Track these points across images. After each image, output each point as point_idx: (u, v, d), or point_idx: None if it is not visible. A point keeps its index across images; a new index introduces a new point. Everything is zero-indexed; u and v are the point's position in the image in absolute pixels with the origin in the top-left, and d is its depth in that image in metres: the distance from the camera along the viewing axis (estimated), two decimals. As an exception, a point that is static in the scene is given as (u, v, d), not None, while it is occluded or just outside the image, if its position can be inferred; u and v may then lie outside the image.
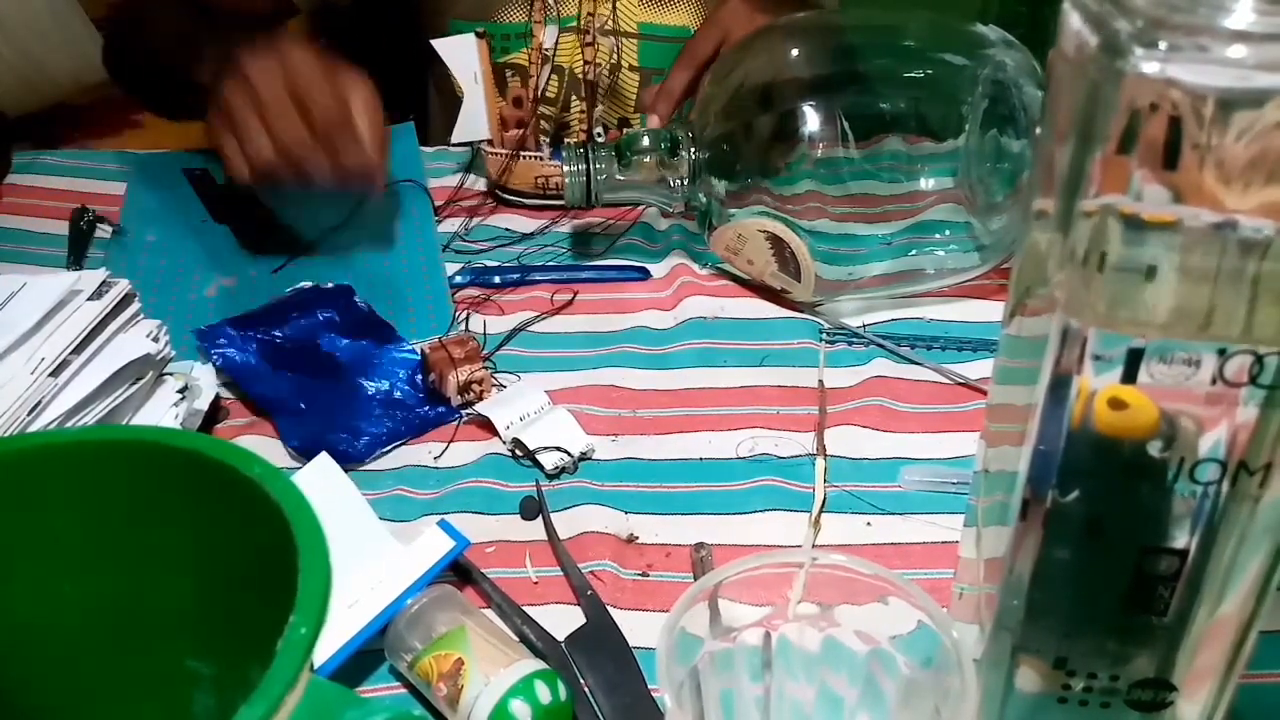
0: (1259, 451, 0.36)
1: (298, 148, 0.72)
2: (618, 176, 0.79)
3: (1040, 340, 0.37)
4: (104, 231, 0.87)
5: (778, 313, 0.78)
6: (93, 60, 1.21)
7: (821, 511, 0.61)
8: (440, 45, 0.89)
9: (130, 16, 0.97)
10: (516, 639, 0.53)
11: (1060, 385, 0.36)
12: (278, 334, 0.73)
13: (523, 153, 0.90)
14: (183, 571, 0.39)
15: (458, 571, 0.57)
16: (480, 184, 0.93)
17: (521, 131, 0.91)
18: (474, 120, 0.91)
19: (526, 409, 0.67)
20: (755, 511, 0.62)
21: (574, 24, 0.99)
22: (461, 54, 0.89)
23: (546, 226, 0.89)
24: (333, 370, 0.71)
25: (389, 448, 0.66)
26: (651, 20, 1.01)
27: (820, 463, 0.64)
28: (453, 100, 0.91)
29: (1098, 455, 0.37)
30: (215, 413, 0.68)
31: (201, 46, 0.85)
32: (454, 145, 0.94)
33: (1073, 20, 0.36)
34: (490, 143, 0.91)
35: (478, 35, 0.89)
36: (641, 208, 0.90)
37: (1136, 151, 0.32)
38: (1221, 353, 0.34)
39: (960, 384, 0.71)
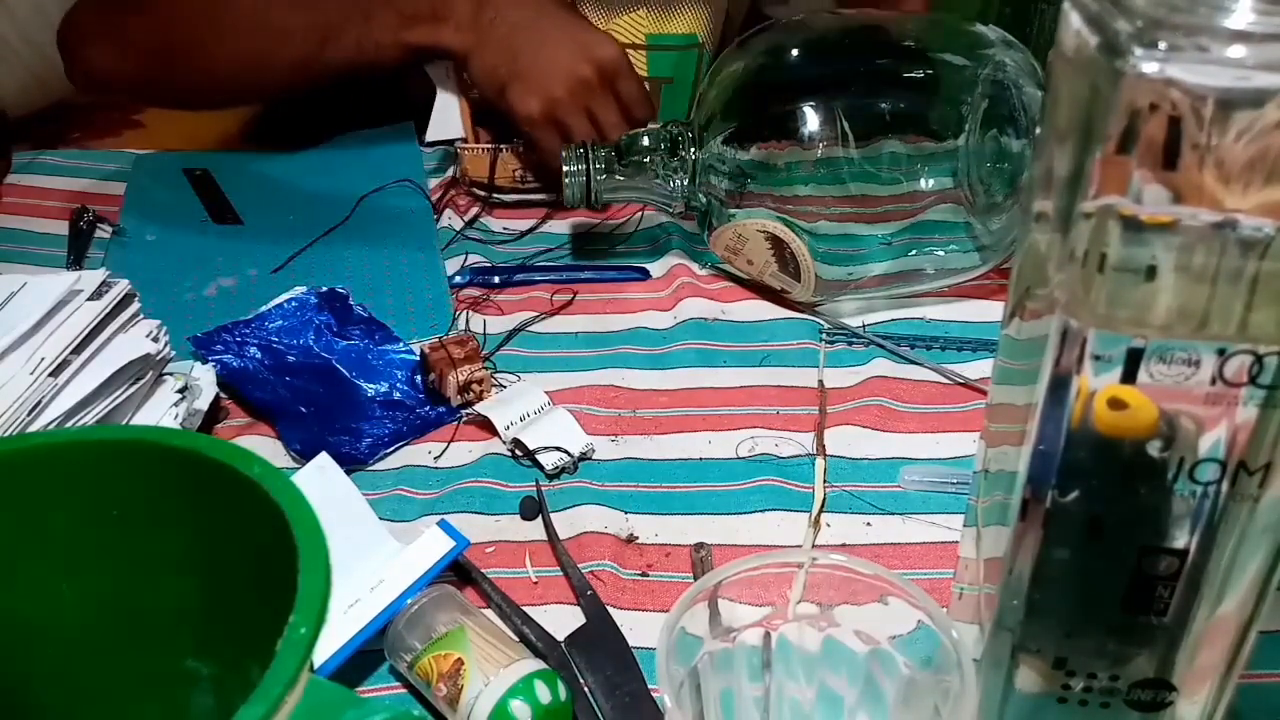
0: (1258, 451, 0.36)
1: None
2: (617, 177, 0.79)
3: (1040, 341, 0.37)
4: (104, 231, 0.87)
5: (778, 313, 0.78)
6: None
7: (821, 511, 0.61)
8: None
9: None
10: (516, 639, 0.53)
11: (1060, 385, 0.36)
12: (274, 339, 0.73)
13: (496, 146, 0.90)
14: (182, 571, 0.39)
15: (458, 571, 0.57)
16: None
17: (495, 129, 0.91)
18: (447, 118, 0.91)
19: (526, 409, 0.67)
20: (755, 511, 0.62)
21: None
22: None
23: (538, 225, 0.89)
24: (331, 373, 0.71)
25: (391, 449, 0.66)
26: (658, 30, 1.01)
27: (820, 462, 0.64)
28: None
29: (1097, 455, 0.37)
30: (215, 413, 0.68)
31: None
32: (428, 144, 0.94)
33: (1073, 20, 0.36)
34: (465, 140, 0.91)
35: None
36: (642, 207, 0.90)
37: (1136, 152, 0.32)
38: (1221, 353, 0.34)
39: (960, 384, 0.71)
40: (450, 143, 0.93)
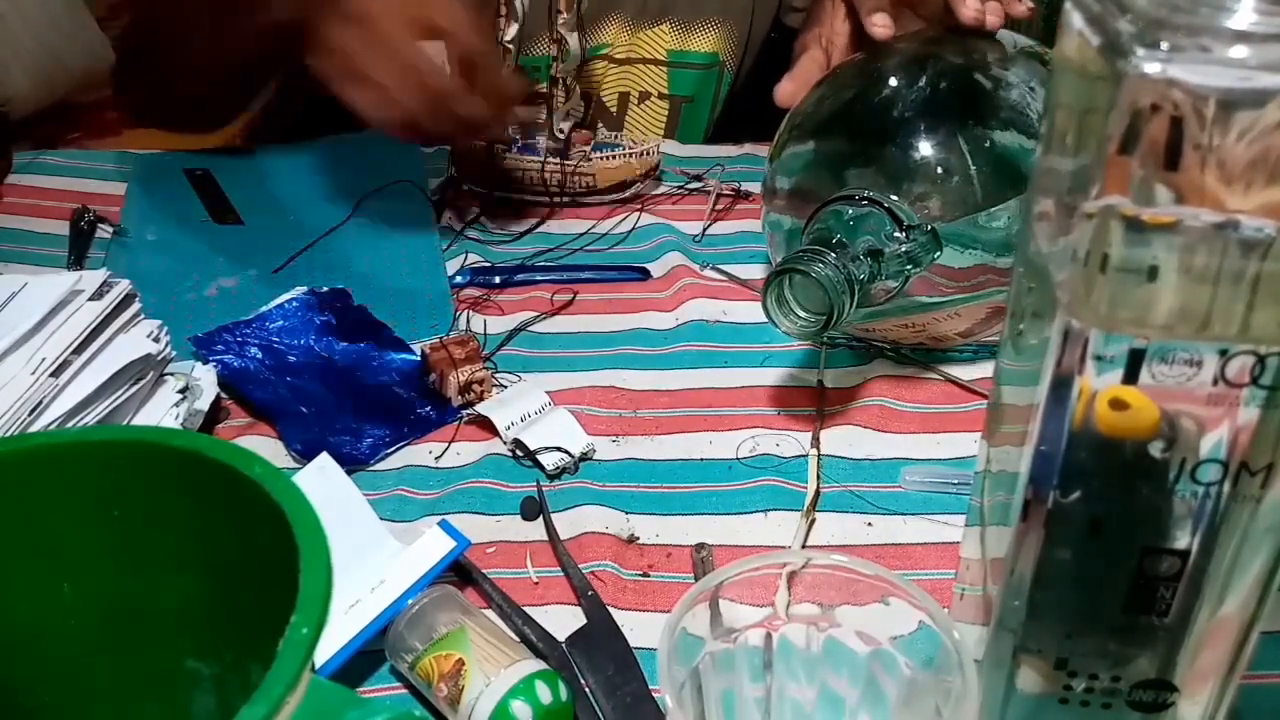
0: (1260, 452, 0.36)
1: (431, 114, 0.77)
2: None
3: (1042, 341, 0.37)
4: (104, 231, 0.87)
5: (778, 313, 0.78)
6: (101, 55, 1.22)
7: (814, 507, 0.61)
8: None
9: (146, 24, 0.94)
10: (517, 639, 0.53)
11: (1062, 386, 0.36)
12: (275, 339, 0.73)
13: (492, 145, 0.90)
14: (183, 572, 0.39)
15: (458, 572, 0.57)
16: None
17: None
18: None
19: (527, 409, 0.67)
20: (756, 512, 0.62)
21: (605, 50, 1.00)
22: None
23: (538, 224, 0.89)
24: (332, 373, 0.71)
25: (392, 449, 0.66)
26: (681, 48, 1.01)
27: (814, 455, 0.64)
28: None
29: (1099, 456, 0.37)
30: (216, 413, 0.67)
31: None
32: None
33: (1074, 20, 0.36)
34: None
35: None
36: (640, 206, 0.90)
37: (1138, 152, 0.32)
38: (1223, 353, 0.34)
39: (960, 384, 0.71)
40: None
